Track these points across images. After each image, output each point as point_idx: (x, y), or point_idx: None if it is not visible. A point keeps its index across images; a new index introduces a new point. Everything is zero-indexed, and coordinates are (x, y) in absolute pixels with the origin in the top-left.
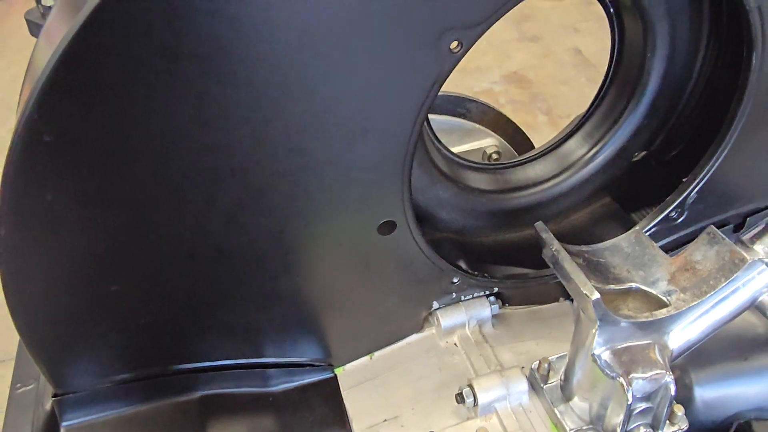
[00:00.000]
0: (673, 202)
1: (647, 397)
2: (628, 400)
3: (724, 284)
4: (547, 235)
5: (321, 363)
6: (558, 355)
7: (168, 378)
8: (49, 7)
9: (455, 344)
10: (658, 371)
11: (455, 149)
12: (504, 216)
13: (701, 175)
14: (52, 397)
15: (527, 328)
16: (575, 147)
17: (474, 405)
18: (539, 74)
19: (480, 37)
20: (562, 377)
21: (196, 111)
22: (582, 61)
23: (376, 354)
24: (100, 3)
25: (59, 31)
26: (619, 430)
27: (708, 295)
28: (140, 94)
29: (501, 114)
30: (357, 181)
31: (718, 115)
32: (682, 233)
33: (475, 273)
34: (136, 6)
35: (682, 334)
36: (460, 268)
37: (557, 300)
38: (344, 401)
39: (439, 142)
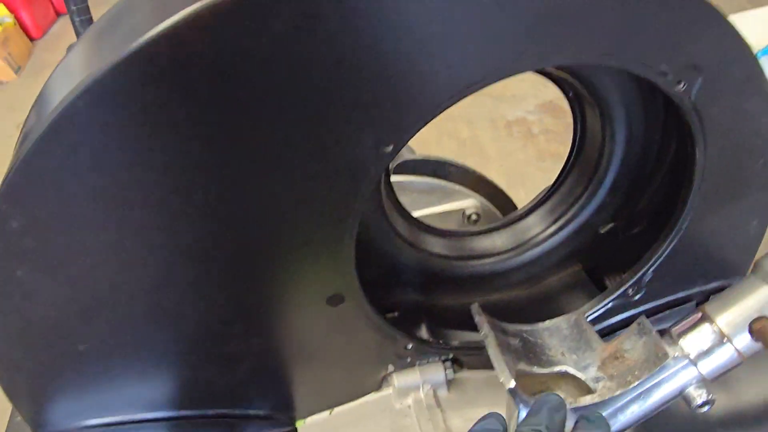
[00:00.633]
0: (629, 280)
1: None
2: None
3: (647, 377)
4: (479, 319)
5: (283, 415)
6: None
7: (136, 424)
8: None
9: (409, 406)
10: None
11: (435, 209)
12: (467, 282)
13: (656, 256)
14: None
15: (482, 394)
16: (533, 224)
17: None
18: None
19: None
20: None
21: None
22: None
23: (336, 409)
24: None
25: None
26: None
27: (632, 386)
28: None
29: (482, 177)
30: (304, 260)
31: (677, 196)
32: (641, 309)
33: (431, 340)
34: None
35: None
36: (413, 335)
37: None
38: None
39: (402, 208)
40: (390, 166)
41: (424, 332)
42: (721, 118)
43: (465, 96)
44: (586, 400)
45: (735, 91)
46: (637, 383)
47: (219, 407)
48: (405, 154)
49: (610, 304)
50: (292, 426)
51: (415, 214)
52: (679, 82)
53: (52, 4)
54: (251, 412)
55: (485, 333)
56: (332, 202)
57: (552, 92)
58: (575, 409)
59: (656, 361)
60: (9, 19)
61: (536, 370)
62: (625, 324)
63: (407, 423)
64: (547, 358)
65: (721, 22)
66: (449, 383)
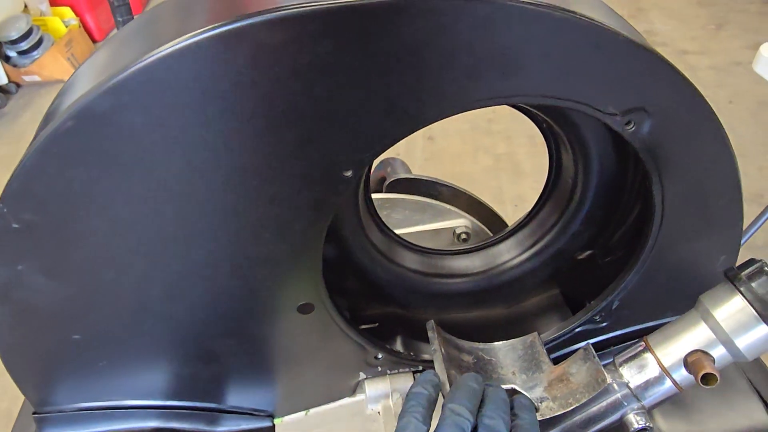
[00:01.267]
0: (596, 306)
1: None
2: None
3: (587, 400)
4: (432, 335)
5: (263, 412)
6: None
7: (126, 410)
8: None
9: (378, 412)
10: None
11: (426, 227)
12: (445, 298)
13: (622, 285)
14: (33, 414)
15: None
16: (507, 249)
17: None
18: None
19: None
20: None
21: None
22: None
23: (312, 410)
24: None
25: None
26: None
27: (571, 407)
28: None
29: (473, 197)
30: (274, 271)
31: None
32: (610, 335)
33: (401, 351)
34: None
35: None
36: (383, 346)
37: None
38: None
39: (381, 223)
40: (384, 183)
41: (399, 344)
42: (676, 158)
43: (414, 131)
44: None
45: (687, 133)
46: (576, 405)
47: (201, 400)
48: (400, 173)
49: (578, 329)
50: (270, 423)
51: (406, 231)
52: (628, 123)
53: None
54: (231, 407)
55: (434, 348)
56: (298, 220)
57: None
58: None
59: (596, 386)
60: (74, 21)
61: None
62: (600, 348)
63: (375, 428)
64: (498, 376)
65: (667, 69)
66: None
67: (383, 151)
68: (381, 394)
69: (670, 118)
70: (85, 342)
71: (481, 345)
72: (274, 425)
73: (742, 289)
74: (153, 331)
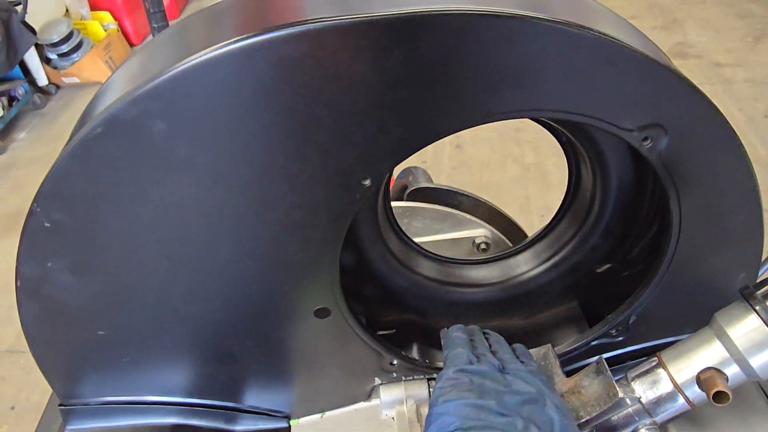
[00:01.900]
0: (614, 320)
1: None
2: None
3: (597, 413)
4: (444, 342)
5: (279, 413)
6: None
7: (147, 405)
8: None
9: (392, 418)
10: None
11: (446, 236)
12: (462, 307)
13: (639, 301)
14: (59, 405)
15: None
16: (524, 261)
17: None
18: None
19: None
20: None
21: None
22: None
23: (327, 414)
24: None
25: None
26: None
27: (583, 419)
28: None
29: (493, 207)
30: (292, 276)
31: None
32: (627, 350)
33: (416, 358)
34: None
35: None
36: (399, 352)
37: None
38: None
39: (400, 231)
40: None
41: (415, 351)
42: (694, 174)
43: (431, 143)
44: None
45: (705, 149)
46: (587, 418)
47: (220, 399)
48: (421, 182)
49: (594, 342)
50: (286, 424)
51: (427, 239)
52: (645, 139)
53: None
54: (249, 406)
55: (446, 354)
56: (317, 226)
57: None
58: None
59: (607, 399)
60: (113, 25)
61: None
62: (616, 363)
63: None
64: None
65: (685, 86)
66: None
67: (401, 161)
68: (395, 400)
69: (687, 134)
70: (109, 338)
71: None
72: (290, 426)
73: (757, 308)
74: (174, 329)
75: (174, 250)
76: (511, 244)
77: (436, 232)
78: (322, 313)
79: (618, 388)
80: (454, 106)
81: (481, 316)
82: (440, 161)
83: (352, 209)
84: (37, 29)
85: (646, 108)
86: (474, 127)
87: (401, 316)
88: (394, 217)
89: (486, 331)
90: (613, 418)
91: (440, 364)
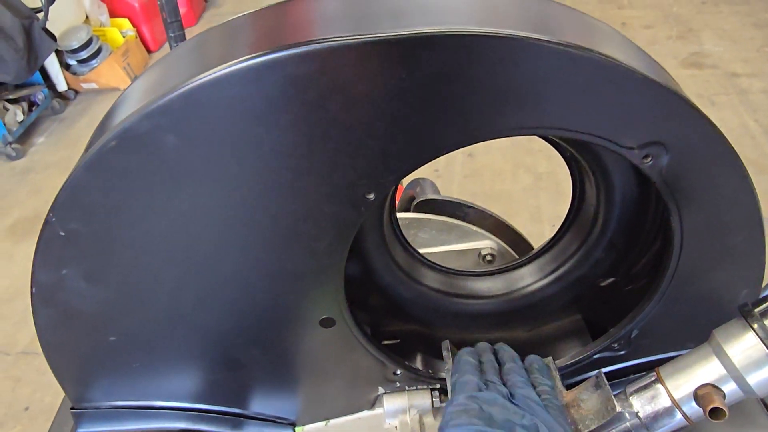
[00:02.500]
0: (616, 334)
1: None
2: None
3: (595, 427)
4: (446, 354)
5: (285, 420)
6: None
7: (156, 410)
8: None
9: (395, 427)
10: None
11: (452, 247)
12: (465, 318)
13: (641, 314)
14: (70, 409)
15: None
16: (527, 274)
17: None
18: None
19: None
20: None
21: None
22: None
23: (332, 421)
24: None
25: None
26: None
27: None
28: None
29: (499, 219)
30: (298, 286)
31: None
32: (628, 364)
33: (420, 369)
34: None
35: None
36: (402, 363)
37: None
38: None
39: (405, 243)
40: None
41: (419, 361)
42: (695, 191)
43: (435, 159)
44: None
45: (706, 168)
46: (586, 431)
47: (227, 405)
48: (428, 193)
49: (596, 356)
50: (291, 431)
51: (433, 250)
52: (645, 157)
53: None
54: (255, 413)
55: (448, 367)
56: (322, 237)
57: None
58: None
59: (605, 413)
60: (131, 32)
61: None
62: (619, 377)
63: None
64: None
65: (685, 105)
66: (435, 411)
67: (405, 176)
68: (399, 409)
69: (688, 153)
70: (121, 344)
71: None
72: None
73: (755, 326)
74: (183, 336)
75: (184, 259)
76: (517, 256)
77: (442, 243)
78: (327, 322)
79: (616, 403)
80: (458, 123)
81: (484, 328)
82: (452, 170)
83: (356, 222)
84: (57, 36)
85: (646, 127)
86: None
87: (406, 327)
88: (399, 228)
89: (498, 347)
90: (611, 431)
91: (443, 375)
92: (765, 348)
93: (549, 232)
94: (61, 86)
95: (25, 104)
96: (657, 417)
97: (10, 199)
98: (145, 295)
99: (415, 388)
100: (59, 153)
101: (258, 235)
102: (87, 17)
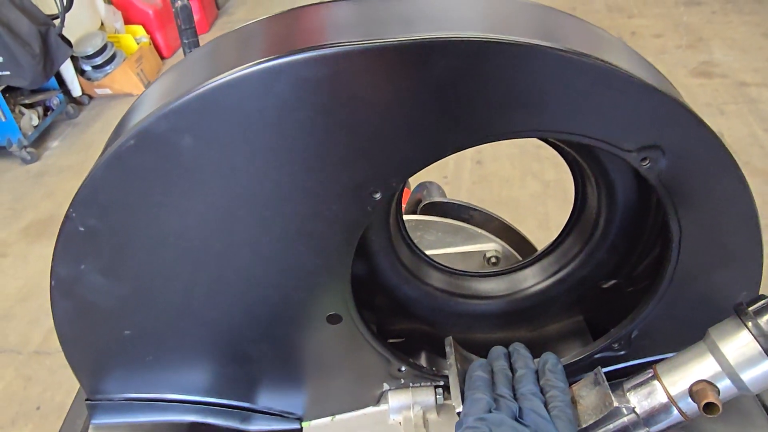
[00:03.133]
0: (616, 335)
1: None
2: None
3: (593, 422)
4: (449, 350)
5: (292, 415)
6: None
7: (167, 403)
8: None
9: (399, 423)
10: None
11: (457, 249)
12: (469, 318)
13: (642, 315)
14: (85, 400)
15: None
16: (531, 275)
17: None
18: None
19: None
20: None
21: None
22: None
23: (338, 417)
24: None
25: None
26: None
27: (581, 428)
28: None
29: (504, 222)
30: (307, 283)
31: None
32: (629, 364)
33: (424, 366)
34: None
35: None
36: (407, 360)
37: None
38: None
39: (411, 243)
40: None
41: (423, 359)
42: (693, 194)
43: (439, 159)
44: None
45: (703, 171)
46: (584, 426)
47: (236, 399)
48: (434, 196)
49: (597, 356)
50: (298, 425)
51: (438, 252)
52: (643, 159)
53: None
54: (263, 407)
55: (450, 363)
56: (330, 236)
57: None
58: None
59: (603, 408)
60: (145, 39)
61: None
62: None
63: None
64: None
65: (681, 110)
66: (439, 407)
67: (410, 176)
68: (403, 406)
69: (685, 157)
70: (135, 337)
71: None
72: (302, 428)
73: (748, 324)
74: (195, 331)
75: (197, 256)
76: (521, 259)
77: (448, 246)
78: (334, 319)
79: (614, 398)
80: (463, 125)
81: (488, 328)
82: (461, 176)
83: (363, 221)
84: (73, 42)
85: (644, 130)
86: (495, 144)
87: (411, 326)
88: (405, 229)
89: (513, 349)
90: (609, 428)
91: (446, 372)
92: (758, 346)
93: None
94: (76, 91)
95: (40, 109)
96: (654, 413)
97: (25, 202)
98: (159, 291)
99: (419, 384)
100: (73, 157)
101: (268, 233)
102: (102, 24)
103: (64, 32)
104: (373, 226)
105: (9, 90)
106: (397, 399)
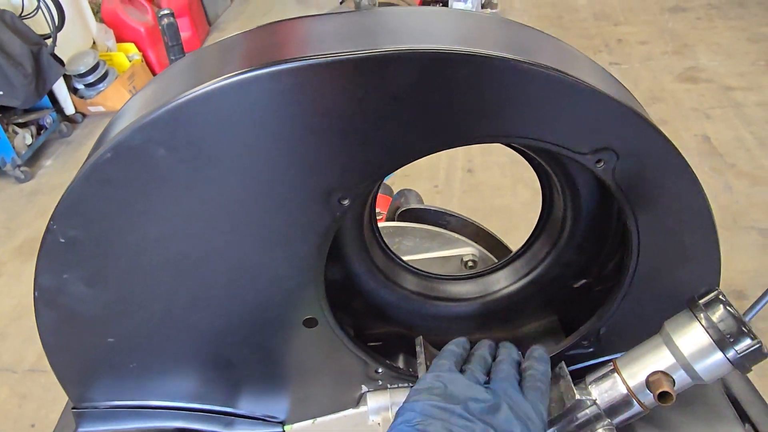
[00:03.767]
0: (584, 332)
1: None
2: None
3: (557, 414)
4: (419, 350)
5: (274, 419)
6: None
7: (152, 410)
8: None
9: (378, 424)
10: None
11: (435, 254)
12: (445, 320)
13: (608, 313)
14: (72, 408)
15: None
16: (502, 277)
17: None
18: None
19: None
20: None
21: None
22: (709, 150)
23: (319, 419)
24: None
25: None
26: None
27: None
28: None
29: (480, 227)
30: (282, 287)
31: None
32: (600, 360)
33: (399, 367)
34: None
35: None
36: (384, 362)
37: None
38: None
39: (386, 249)
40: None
41: (401, 361)
42: (648, 194)
43: (402, 166)
44: None
45: (656, 172)
46: (550, 418)
47: (219, 404)
48: (411, 203)
49: (569, 353)
50: (280, 429)
51: (417, 257)
52: (598, 161)
53: None
54: (246, 412)
55: (420, 361)
56: (302, 241)
57: None
58: None
59: (565, 402)
60: (137, 56)
61: None
62: None
63: None
64: None
65: (632, 116)
66: None
67: (378, 183)
68: (381, 407)
69: (638, 158)
70: (119, 345)
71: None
72: (284, 431)
73: (700, 316)
74: (178, 337)
75: (176, 263)
76: (496, 261)
77: (426, 251)
78: (310, 323)
79: (576, 391)
80: (424, 133)
81: (464, 329)
82: (452, 185)
83: (333, 226)
84: (65, 61)
85: (597, 134)
86: (485, 153)
87: (389, 329)
88: (381, 235)
89: (502, 344)
90: (572, 420)
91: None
92: (709, 337)
93: None
94: (69, 110)
95: (33, 128)
96: (615, 404)
97: (18, 221)
98: (142, 298)
99: (396, 386)
100: (66, 175)
101: (242, 240)
102: (94, 42)
103: (57, 51)
104: (348, 232)
105: (2, 110)
106: (375, 400)
